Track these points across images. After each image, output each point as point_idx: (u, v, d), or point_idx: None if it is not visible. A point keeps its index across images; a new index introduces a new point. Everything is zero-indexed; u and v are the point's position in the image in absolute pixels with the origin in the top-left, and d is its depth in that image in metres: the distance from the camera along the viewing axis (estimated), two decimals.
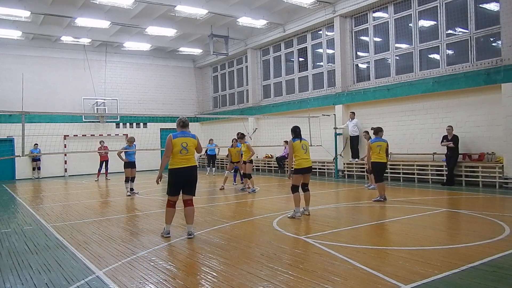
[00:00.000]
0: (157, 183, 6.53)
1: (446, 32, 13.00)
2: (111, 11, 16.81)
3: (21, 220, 8.56)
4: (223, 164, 21.72)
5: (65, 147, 21.03)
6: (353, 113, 15.56)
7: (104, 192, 14.17)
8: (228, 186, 13.57)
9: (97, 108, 21.95)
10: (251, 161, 12.64)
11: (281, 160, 18.19)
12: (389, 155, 12.32)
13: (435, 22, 13.31)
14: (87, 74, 21.90)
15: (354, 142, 15.58)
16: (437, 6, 13.15)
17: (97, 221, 8.14)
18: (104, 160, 18.18)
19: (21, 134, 10.53)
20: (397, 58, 14.65)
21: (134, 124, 23.44)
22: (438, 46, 13.24)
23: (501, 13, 11.41)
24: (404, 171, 13.86)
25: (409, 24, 14.09)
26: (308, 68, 18.26)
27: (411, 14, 13.96)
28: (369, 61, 15.65)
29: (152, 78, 24.37)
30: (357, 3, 15.16)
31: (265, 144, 19.07)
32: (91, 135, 21.91)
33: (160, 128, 23.47)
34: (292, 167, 7.96)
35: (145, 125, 23.58)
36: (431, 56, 13.70)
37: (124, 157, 12.26)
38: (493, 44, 12.13)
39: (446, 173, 12.37)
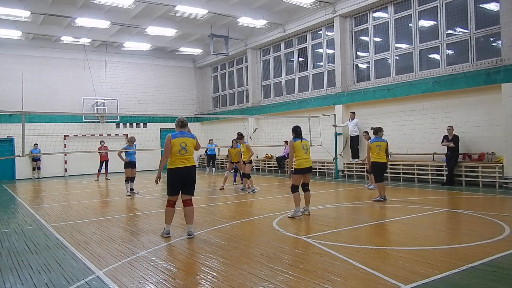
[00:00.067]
0: (156, 183, 6.56)
1: (446, 32, 13.00)
2: (111, 11, 16.81)
3: (21, 220, 8.56)
4: (223, 164, 21.73)
5: (65, 147, 21.04)
6: (353, 113, 15.56)
7: (104, 192, 14.16)
8: (228, 186, 13.57)
9: (97, 108, 21.96)
10: (250, 162, 12.67)
11: (281, 160, 18.18)
12: (389, 155, 12.32)
13: (435, 22, 13.30)
14: (87, 74, 21.91)
15: (354, 142, 15.58)
16: (437, 6, 13.15)
17: (97, 221, 8.14)
18: (104, 160, 18.19)
19: (21, 134, 10.53)
20: (397, 58, 14.65)
21: (134, 124, 23.45)
22: (438, 46, 13.23)
23: (501, 13, 11.41)
24: (404, 171, 13.86)
25: (409, 24, 14.09)
26: (308, 68, 18.26)
27: (411, 14, 13.95)
28: (369, 61, 15.64)
29: (152, 78, 24.37)
30: (357, 3, 15.16)
31: (265, 144, 19.08)
32: (91, 135, 21.90)
33: (160, 128, 23.50)
34: (293, 167, 7.96)
35: (145, 125, 23.58)
36: (431, 56, 13.70)
37: (124, 157, 12.25)
38: (493, 44, 12.13)
39: (446, 173, 12.37)
